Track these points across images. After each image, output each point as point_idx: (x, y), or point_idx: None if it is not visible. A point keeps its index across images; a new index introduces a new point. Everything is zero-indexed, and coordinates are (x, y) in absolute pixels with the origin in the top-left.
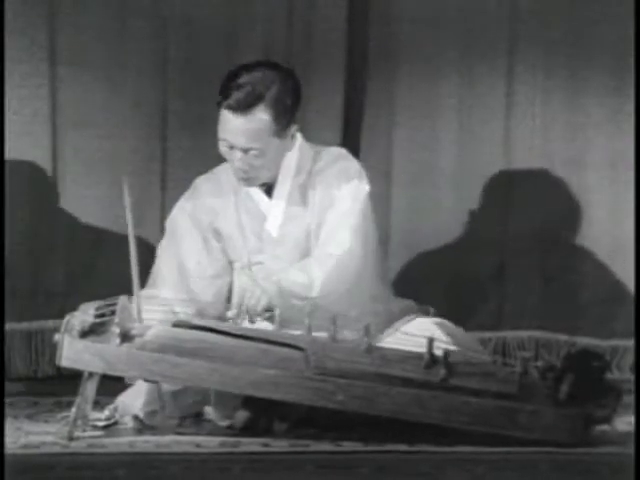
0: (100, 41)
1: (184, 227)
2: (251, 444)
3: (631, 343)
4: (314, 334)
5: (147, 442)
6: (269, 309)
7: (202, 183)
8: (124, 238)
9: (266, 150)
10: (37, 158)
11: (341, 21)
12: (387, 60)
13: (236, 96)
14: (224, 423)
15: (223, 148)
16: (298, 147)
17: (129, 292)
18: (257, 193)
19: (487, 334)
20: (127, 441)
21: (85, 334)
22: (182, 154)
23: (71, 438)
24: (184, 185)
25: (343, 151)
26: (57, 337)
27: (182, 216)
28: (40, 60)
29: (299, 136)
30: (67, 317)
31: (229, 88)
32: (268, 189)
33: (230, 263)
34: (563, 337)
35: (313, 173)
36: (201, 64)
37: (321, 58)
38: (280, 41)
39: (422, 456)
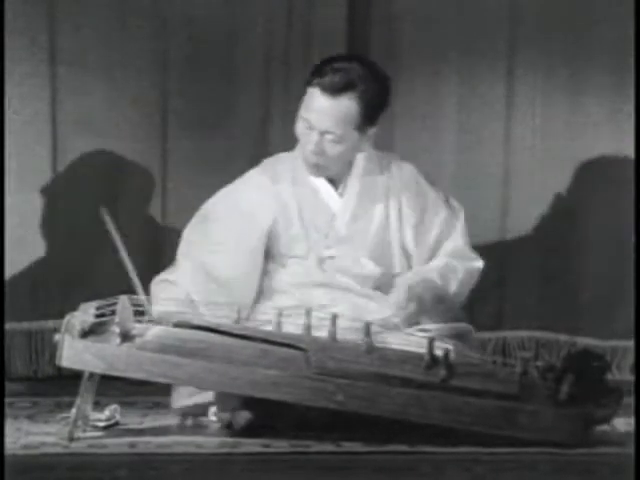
0: (100, 41)
1: (223, 213)
2: (251, 445)
3: (631, 344)
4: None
5: (148, 443)
6: None
7: (254, 176)
8: (125, 237)
9: (343, 139)
10: (37, 157)
11: (341, 21)
12: (387, 60)
13: (331, 78)
14: (224, 422)
15: (301, 128)
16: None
17: (129, 291)
18: (325, 186)
19: (487, 334)
20: (128, 442)
21: (85, 334)
22: (182, 154)
23: (71, 438)
24: (184, 185)
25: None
26: (57, 337)
27: (223, 202)
28: (40, 60)
29: None
30: (67, 317)
31: (325, 69)
32: (334, 186)
33: (280, 257)
34: (563, 337)
35: (391, 172)
36: (201, 64)
37: (321, 58)
38: (280, 41)
39: (422, 456)
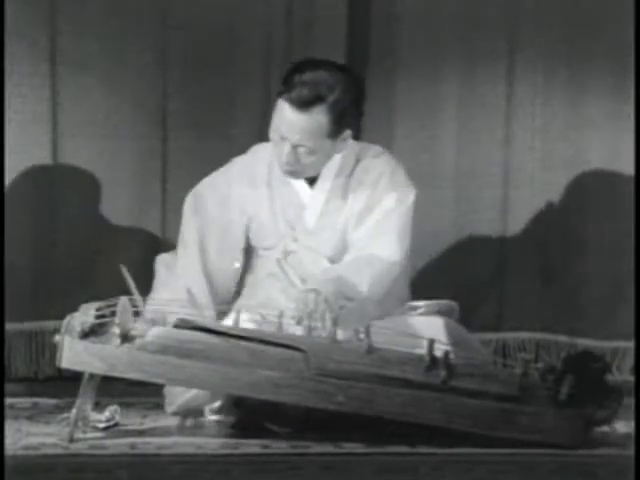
0: (100, 41)
1: (207, 201)
2: (251, 446)
3: (631, 344)
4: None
5: (148, 444)
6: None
7: (236, 163)
8: (124, 237)
9: (316, 150)
10: (37, 157)
11: (341, 21)
12: (387, 60)
13: (299, 92)
14: (216, 417)
15: (274, 137)
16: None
17: (129, 293)
18: (299, 182)
19: (487, 335)
20: (128, 442)
21: (85, 335)
22: (182, 154)
23: (71, 439)
24: (184, 185)
25: (387, 152)
26: (57, 338)
27: (207, 191)
28: (41, 59)
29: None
30: (67, 318)
31: (293, 82)
32: (309, 180)
33: (255, 249)
34: (563, 339)
35: (357, 169)
36: (201, 64)
37: (321, 57)
38: (280, 40)
39: (422, 457)
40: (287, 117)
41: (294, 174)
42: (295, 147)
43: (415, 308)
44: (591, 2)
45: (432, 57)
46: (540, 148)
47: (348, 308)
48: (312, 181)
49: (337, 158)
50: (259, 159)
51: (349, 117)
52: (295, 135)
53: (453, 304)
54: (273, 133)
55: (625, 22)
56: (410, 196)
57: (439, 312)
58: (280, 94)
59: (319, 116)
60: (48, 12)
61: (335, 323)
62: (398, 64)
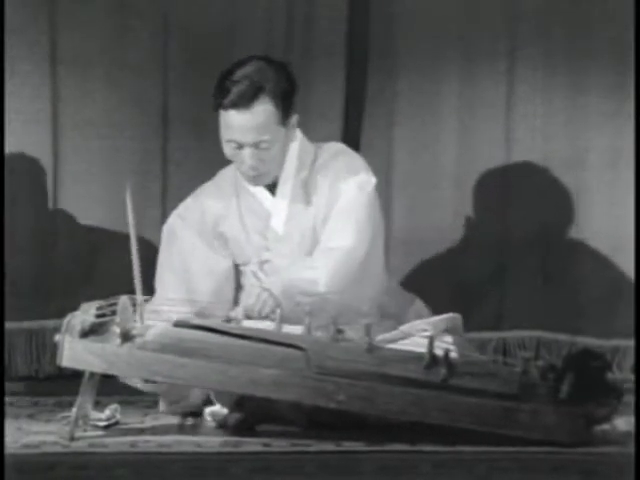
0: (100, 41)
1: (183, 230)
2: (252, 444)
3: (632, 343)
4: (316, 333)
5: (148, 442)
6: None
7: (204, 189)
8: (125, 238)
9: (275, 141)
10: (38, 157)
11: (341, 21)
12: (387, 59)
13: (236, 91)
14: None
15: (230, 150)
16: (299, 140)
17: (130, 292)
18: (260, 192)
19: (488, 334)
20: (128, 441)
21: (86, 334)
22: (182, 153)
23: (72, 438)
24: (184, 184)
25: (343, 146)
26: (58, 337)
27: (181, 221)
28: (41, 59)
29: (298, 129)
30: (68, 317)
31: (226, 86)
32: (271, 187)
33: (237, 266)
34: (564, 337)
35: (316, 168)
36: (201, 63)
37: (321, 57)
38: (280, 40)
39: (423, 456)
40: (235, 122)
41: (260, 178)
42: (255, 146)
43: (422, 329)
44: (591, 1)
45: (432, 57)
46: (540, 148)
47: (309, 303)
48: (273, 188)
49: (294, 157)
50: (225, 180)
51: (291, 100)
52: (250, 135)
53: (457, 317)
54: (227, 147)
55: (625, 21)
56: (370, 184)
57: (446, 330)
58: (218, 106)
59: (265, 106)
60: (48, 12)
61: (310, 320)
62: (398, 64)
